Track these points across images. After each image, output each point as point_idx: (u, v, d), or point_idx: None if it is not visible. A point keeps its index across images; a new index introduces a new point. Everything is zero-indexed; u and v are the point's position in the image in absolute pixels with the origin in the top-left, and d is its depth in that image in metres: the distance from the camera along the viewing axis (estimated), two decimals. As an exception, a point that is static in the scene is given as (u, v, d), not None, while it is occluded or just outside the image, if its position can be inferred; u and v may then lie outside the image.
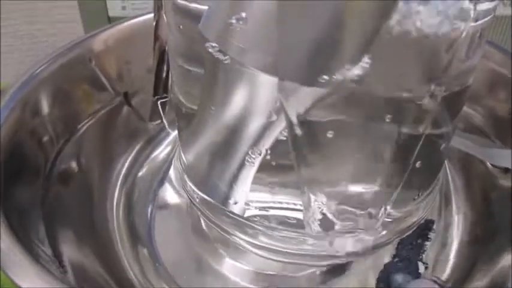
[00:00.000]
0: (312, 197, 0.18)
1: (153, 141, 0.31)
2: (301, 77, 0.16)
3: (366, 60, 0.15)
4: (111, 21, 0.39)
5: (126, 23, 0.31)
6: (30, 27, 0.69)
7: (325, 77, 0.15)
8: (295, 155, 0.17)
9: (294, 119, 0.16)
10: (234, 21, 0.15)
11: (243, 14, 0.15)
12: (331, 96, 0.16)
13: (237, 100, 0.18)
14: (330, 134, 0.16)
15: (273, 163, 0.19)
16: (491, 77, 0.27)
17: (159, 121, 0.30)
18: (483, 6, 0.16)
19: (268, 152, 0.18)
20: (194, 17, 0.17)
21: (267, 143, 0.18)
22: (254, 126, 0.18)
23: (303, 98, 0.15)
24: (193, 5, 0.17)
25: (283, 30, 0.15)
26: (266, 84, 0.17)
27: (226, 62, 0.17)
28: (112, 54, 0.29)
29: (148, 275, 0.24)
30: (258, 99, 0.18)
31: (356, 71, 0.15)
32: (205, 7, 0.16)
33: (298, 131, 0.16)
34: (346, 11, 0.14)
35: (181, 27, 0.19)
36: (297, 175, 0.18)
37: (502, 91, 0.27)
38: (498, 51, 0.27)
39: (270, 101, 0.17)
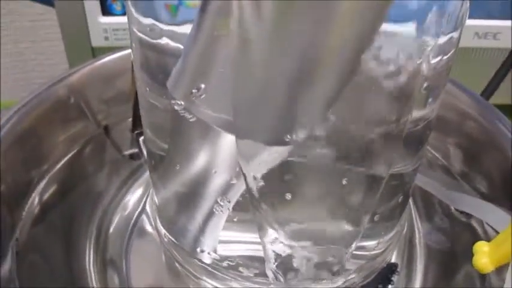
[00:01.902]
0: (273, 247, 0.19)
1: (133, 175, 0.31)
2: (261, 137, 0.16)
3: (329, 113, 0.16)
4: (94, 51, 0.40)
5: (106, 59, 0.31)
6: (17, 46, 0.69)
7: (289, 136, 0.16)
8: (254, 210, 0.18)
9: (252, 183, 0.16)
10: (194, 90, 0.16)
11: (202, 85, 0.16)
12: (291, 155, 0.17)
13: (202, 158, 0.18)
14: (288, 196, 0.17)
15: (242, 212, 0.19)
16: (458, 118, 0.28)
17: (138, 155, 0.31)
18: (443, 40, 0.17)
19: (238, 201, 0.19)
20: (158, 51, 0.18)
21: (235, 194, 0.19)
22: (220, 181, 0.19)
23: (261, 162, 0.16)
24: (156, 41, 0.17)
25: (241, 97, 0.15)
26: (230, 144, 0.17)
27: (191, 120, 0.18)
28: (91, 91, 0.30)
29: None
30: (222, 159, 0.18)
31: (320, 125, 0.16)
32: (170, 42, 0.17)
33: (256, 194, 0.17)
34: (310, 71, 0.14)
35: (146, 61, 0.19)
36: (257, 226, 0.18)
37: (467, 131, 0.28)
38: (463, 92, 0.28)
39: (234, 161, 0.18)
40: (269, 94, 0.15)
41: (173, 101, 0.18)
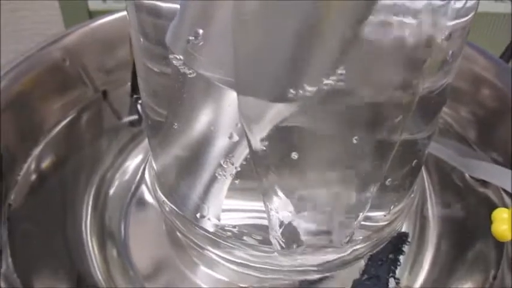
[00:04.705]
0: (278, 215, 0.18)
1: (132, 142, 0.30)
2: (264, 92, 0.15)
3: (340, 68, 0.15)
4: (92, 14, 0.38)
5: (103, 20, 0.30)
6: (14, 15, 0.68)
7: (292, 90, 0.14)
8: (259, 174, 0.16)
9: (256, 145, 0.15)
10: (192, 37, 0.14)
11: (200, 31, 0.14)
12: (296, 114, 0.15)
13: (203, 117, 0.17)
14: (294, 156, 0.16)
15: (246, 180, 0.18)
16: (474, 82, 0.27)
17: (137, 121, 0.30)
18: (460, 4, 0.15)
19: (242, 164, 0.18)
20: (155, 14, 0.16)
21: (239, 157, 0.18)
22: (223, 142, 0.18)
23: (265, 123, 0.15)
24: (153, 2, 0.16)
25: (241, 46, 0.14)
26: (232, 100, 0.16)
27: (191, 76, 0.17)
28: (88, 53, 0.29)
29: (116, 279, 0.23)
30: (223, 116, 0.17)
31: (328, 80, 0.15)
32: (166, 4, 0.16)
33: (261, 157, 0.15)
34: (319, 18, 0.13)
35: (142, 24, 0.18)
36: (261, 192, 0.17)
37: (483, 96, 0.26)
38: (480, 55, 0.27)
39: (236, 118, 0.16)
40: (273, 45, 0.14)
41: (172, 56, 0.16)
